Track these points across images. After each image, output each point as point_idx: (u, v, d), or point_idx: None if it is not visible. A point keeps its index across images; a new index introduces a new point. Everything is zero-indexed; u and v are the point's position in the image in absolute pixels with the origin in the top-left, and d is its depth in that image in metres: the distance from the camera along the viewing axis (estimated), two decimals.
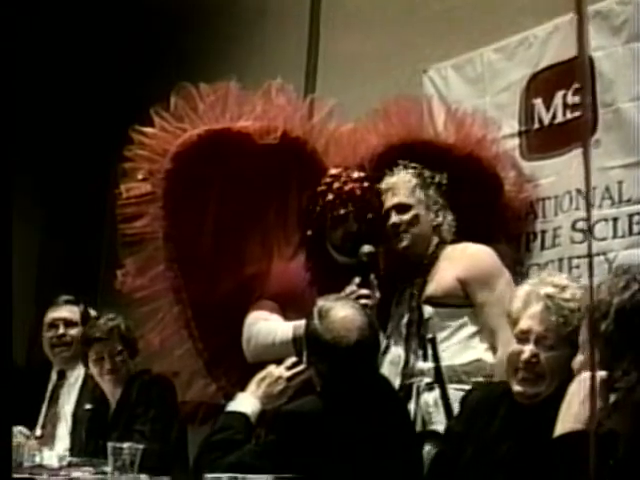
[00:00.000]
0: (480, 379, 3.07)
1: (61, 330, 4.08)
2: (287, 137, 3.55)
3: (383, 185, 3.39)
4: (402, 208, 3.32)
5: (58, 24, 6.10)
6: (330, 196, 3.39)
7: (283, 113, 3.57)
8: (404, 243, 3.31)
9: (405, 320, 3.28)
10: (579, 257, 3.45)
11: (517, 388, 2.46)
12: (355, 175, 3.43)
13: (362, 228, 3.37)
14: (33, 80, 5.99)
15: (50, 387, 4.06)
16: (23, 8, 5.53)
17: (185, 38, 5.72)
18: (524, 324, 2.48)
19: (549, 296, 2.45)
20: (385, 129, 3.63)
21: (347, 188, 3.39)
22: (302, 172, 3.60)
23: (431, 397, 3.13)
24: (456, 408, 3.00)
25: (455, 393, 3.06)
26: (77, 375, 3.96)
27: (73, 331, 4.03)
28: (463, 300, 3.18)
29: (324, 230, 3.42)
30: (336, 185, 3.40)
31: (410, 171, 3.36)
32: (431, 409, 3.11)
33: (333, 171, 3.46)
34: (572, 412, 2.05)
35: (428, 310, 3.21)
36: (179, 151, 3.51)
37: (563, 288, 2.47)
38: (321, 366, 2.71)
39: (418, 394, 3.16)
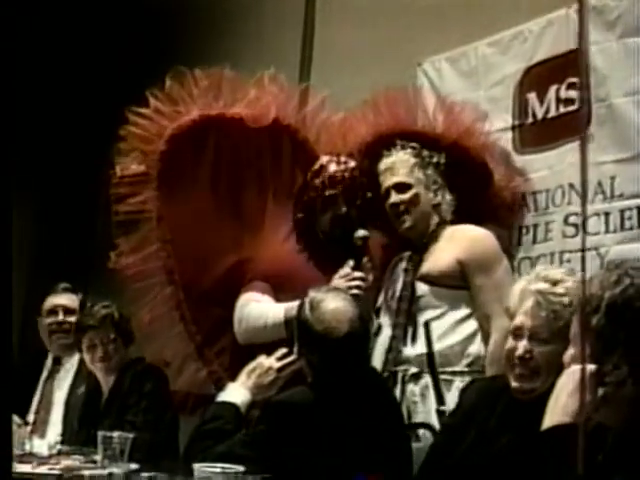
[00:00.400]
0: (466, 362, 3.11)
1: (60, 317, 4.09)
2: (279, 124, 3.62)
3: (382, 166, 3.40)
4: (402, 187, 3.33)
5: (55, 12, 6.07)
6: (319, 179, 3.44)
7: (276, 101, 3.62)
8: (407, 224, 3.33)
9: (397, 295, 3.29)
10: (571, 251, 3.45)
11: (514, 384, 2.47)
12: (344, 160, 3.48)
13: (351, 212, 3.39)
14: (27, 65, 5.96)
15: (45, 373, 4.07)
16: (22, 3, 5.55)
17: (180, 26, 5.71)
18: (518, 320, 2.49)
19: (540, 292, 2.46)
20: (374, 119, 3.66)
21: (336, 171, 3.43)
22: (294, 159, 3.66)
23: (417, 387, 3.13)
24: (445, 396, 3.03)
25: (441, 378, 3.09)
26: (72, 362, 3.96)
27: (72, 318, 4.03)
28: (459, 282, 3.19)
29: (314, 214, 3.45)
30: (326, 169, 3.45)
31: (409, 151, 3.37)
32: (417, 399, 3.12)
33: (324, 158, 3.50)
34: (560, 405, 2.05)
35: (422, 288, 3.22)
36: (174, 134, 3.56)
37: (555, 283, 2.48)
38: (312, 357, 2.72)
39: (403, 383, 3.16)
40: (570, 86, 3.53)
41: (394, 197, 3.34)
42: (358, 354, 2.77)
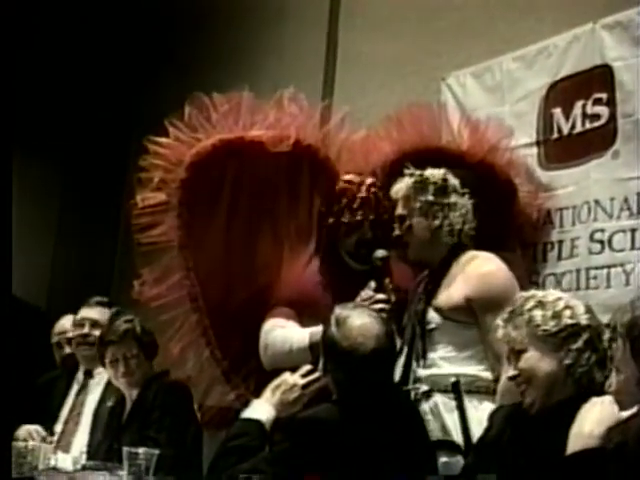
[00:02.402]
0: (477, 384, 3.06)
1: (86, 329, 4.08)
2: (299, 145, 3.60)
3: (392, 194, 3.32)
4: (400, 219, 3.26)
5: (70, 28, 6.13)
6: (344, 203, 3.40)
7: (295, 121, 3.62)
8: (410, 256, 3.27)
9: (412, 324, 3.24)
10: (596, 268, 3.44)
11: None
12: (368, 181, 3.43)
13: (377, 234, 3.37)
14: (49, 86, 6.05)
15: (76, 386, 4.08)
16: (33, 21, 5.63)
17: (204, 41, 5.74)
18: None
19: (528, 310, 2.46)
20: (398, 136, 3.64)
21: (361, 195, 3.39)
22: (315, 179, 3.64)
23: (427, 405, 3.09)
24: (449, 418, 3.02)
25: (448, 402, 3.05)
26: (104, 375, 3.96)
27: (97, 331, 4.04)
28: (470, 318, 3.08)
29: (338, 236, 3.42)
30: (350, 192, 3.40)
31: (410, 179, 3.24)
32: (428, 417, 3.07)
33: (346, 177, 3.46)
34: (586, 431, 2.07)
35: (435, 320, 3.15)
36: (194, 161, 3.56)
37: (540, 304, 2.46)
38: (338, 374, 2.70)
39: (415, 401, 3.11)
40: (596, 102, 3.52)
41: (395, 230, 3.27)
42: (384, 371, 2.76)
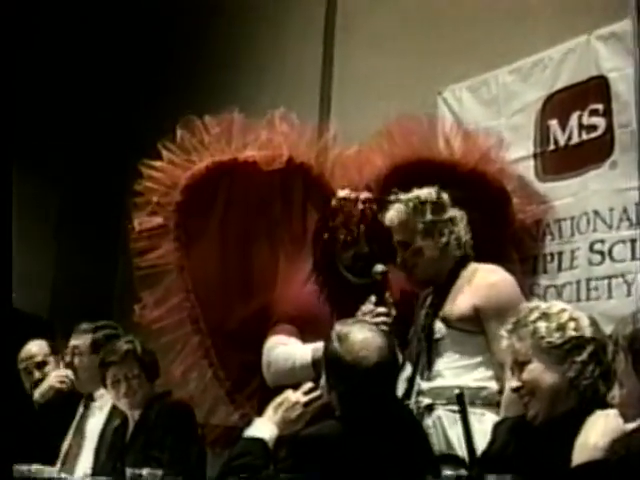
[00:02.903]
0: (482, 395, 3.07)
1: (68, 359, 4.13)
2: (293, 163, 3.65)
3: (386, 221, 3.30)
4: (402, 245, 3.26)
5: (70, 48, 6.15)
6: (340, 218, 3.42)
7: (287, 140, 3.66)
8: (418, 277, 3.28)
9: (418, 333, 3.25)
10: (597, 279, 3.43)
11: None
12: (363, 196, 3.45)
13: (374, 249, 3.38)
14: (49, 109, 6.08)
15: (81, 410, 4.07)
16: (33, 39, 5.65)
17: (200, 60, 5.75)
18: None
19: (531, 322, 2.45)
20: (389, 149, 3.66)
21: (357, 210, 3.41)
22: (309, 196, 3.68)
23: (430, 419, 3.11)
24: (452, 431, 3.01)
25: (451, 415, 3.04)
26: (105, 396, 3.95)
27: (76, 360, 4.07)
28: (476, 327, 3.12)
29: (335, 251, 3.44)
30: (346, 207, 3.42)
31: (403, 203, 3.24)
32: (431, 430, 3.07)
33: (341, 193, 3.48)
34: (591, 443, 2.07)
35: (441, 330, 3.17)
36: (189, 183, 3.62)
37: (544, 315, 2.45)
38: (341, 388, 2.69)
39: (418, 415, 3.12)
40: (593, 113, 3.53)
41: (399, 255, 3.26)
42: (387, 384, 2.76)
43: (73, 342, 4.12)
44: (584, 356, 2.34)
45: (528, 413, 2.43)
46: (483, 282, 3.16)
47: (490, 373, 3.09)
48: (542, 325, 2.39)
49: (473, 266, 3.22)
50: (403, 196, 3.24)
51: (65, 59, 6.13)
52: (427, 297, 3.32)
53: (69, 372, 4.16)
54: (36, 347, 4.35)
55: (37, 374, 4.30)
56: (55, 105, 6.16)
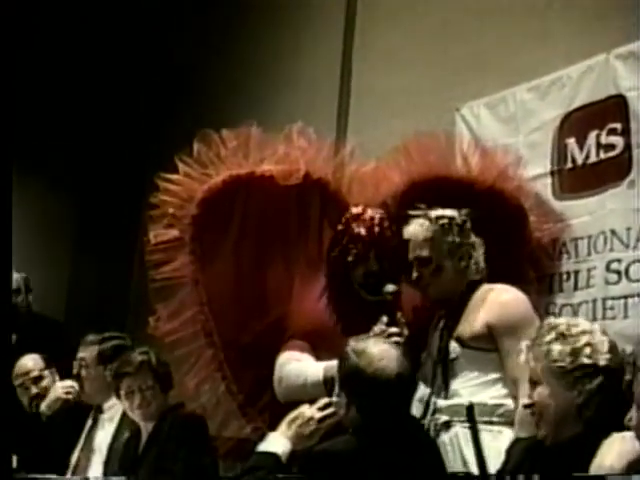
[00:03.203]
0: (497, 413, 3.06)
1: (75, 370, 4.09)
2: (310, 178, 3.64)
3: (405, 234, 3.29)
4: (422, 261, 3.24)
5: (86, 62, 6.19)
6: (350, 236, 3.41)
7: (305, 155, 3.65)
8: (432, 296, 3.28)
9: (434, 355, 3.25)
10: (613, 298, 3.42)
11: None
12: (374, 214, 3.43)
13: (384, 266, 3.37)
14: (69, 124, 6.12)
15: (90, 422, 4.06)
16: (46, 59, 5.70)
17: (219, 72, 5.76)
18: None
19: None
20: (406, 166, 3.65)
21: (365, 228, 3.40)
22: (325, 212, 3.67)
23: (447, 436, 3.10)
24: (468, 449, 3.01)
25: (468, 433, 3.05)
26: (117, 408, 3.94)
27: (83, 372, 4.06)
28: (490, 345, 3.12)
29: (346, 270, 3.43)
30: (355, 225, 3.41)
31: (428, 218, 3.23)
32: (448, 448, 3.07)
33: (353, 210, 3.48)
34: (606, 466, 2.05)
35: (456, 350, 3.17)
36: (205, 197, 3.62)
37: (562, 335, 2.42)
38: (363, 402, 2.67)
39: (435, 432, 3.12)
40: (611, 132, 3.52)
41: (415, 272, 3.25)
42: (406, 396, 2.75)
43: (80, 354, 4.11)
44: (593, 385, 2.29)
45: (539, 432, 2.41)
46: (495, 300, 3.16)
47: (506, 390, 3.09)
48: (556, 348, 2.33)
49: (485, 287, 3.23)
50: (432, 213, 3.23)
51: (84, 70, 6.16)
52: (440, 319, 3.31)
53: (74, 383, 4.15)
54: (31, 362, 4.32)
55: (34, 389, 4.27)
56: (73, 118, 6.20)
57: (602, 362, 2.30)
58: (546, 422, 2.36)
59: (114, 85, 6.21)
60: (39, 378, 4.30)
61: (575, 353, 2.31)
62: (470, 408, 3.07)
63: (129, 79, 6.22)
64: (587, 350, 2.31)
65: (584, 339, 2.33)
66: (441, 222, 3.22)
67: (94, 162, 6.30)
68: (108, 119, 6.21)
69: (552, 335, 2.37)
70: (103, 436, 3.94)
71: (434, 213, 3.23)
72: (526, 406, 2.45)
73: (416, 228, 3.25)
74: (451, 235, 3.21)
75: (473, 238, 3.25)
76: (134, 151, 6.12)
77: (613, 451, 2.20)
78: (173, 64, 6.11)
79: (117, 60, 6.18)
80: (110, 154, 6.22)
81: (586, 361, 2.30)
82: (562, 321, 2.44)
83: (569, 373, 2.31)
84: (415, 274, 3.26)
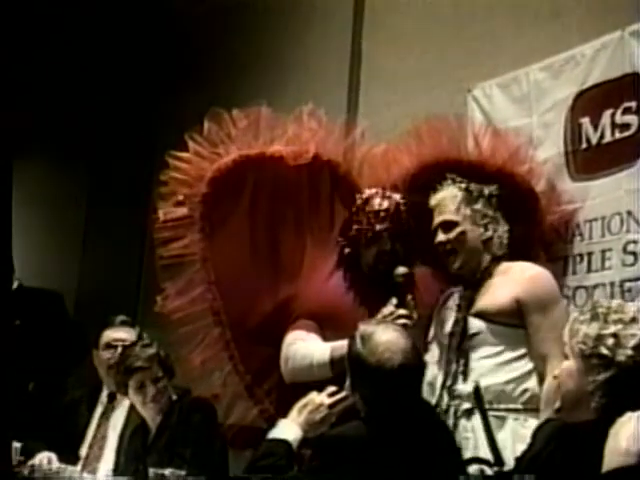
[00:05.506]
0: (522, 400, 3.06)
1: (120, 351, 3.94)
2: (320, 160, 3.64)
3: (432, 201, 3.32)
4: (448, 225, 3.25)
5: (95, 44, 6.19)
6: (364, 215, 3.41)
7: (315, 136, 3.65)
8: (456, 265, 3.25)
9: (448, 331, 3.23)
10: (630, 280, 3.37)
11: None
12: (389, 194, 3.44)
13: (396, 247, 3.36)
14: (76, 104, 6.12)
15: (100, 409, 4.02)
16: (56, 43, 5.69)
17: (229, 53, 5.74)
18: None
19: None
20: (417, 149, 3.63)
21: (381, 207, 3.40)
22: (336, 193, 3.67)
23: (469, 423, 3.08)
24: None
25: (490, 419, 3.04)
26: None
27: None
28: (516, 320, 3.11)
29: (359, 249, 3.42)
30: (370, 204, 3.42)
31: (457, 186, 3.29)
32: (469, 434, 3.06)
33: (367, 192, 3.48)
34: (621, 447, 2.01)
35: (477, 324, 3.16)
36: (215, 176, 3.62)
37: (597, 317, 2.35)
38: (365, 390, 2.66)
39: (456, 418, 3.11)
40: (626, 110, 3.46)
41: (440, 236, 3.26)
42: (412, 386, 2.72)
43: (117, 335, 4.03)
44: (601, 378, 2.23)
45: (554, 405, 2.38)
46: (524, 275, 3.17)
47: (530, 366, 3.08)
48: (584, 329, 2.27)
49: (505, 264, 3.24)
50: (462, 182, 3.28)
51: (93, 52, 6.17)
52: (448, 298, 3.30)
53: None
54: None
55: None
56: (84, 97, 6.20)
57: (620, 357, 2.22)
58: (563, 400, 2.32)
59: (125, 63, 6.20)
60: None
61: (597, 339, 2.24)
62: (477, 390, 3.07)
63: (140, 59, 6.21)
64: (610, 341, 2.23)
65: (613, 328, 2.24)
66: (470, 189, 3.26)
67: (105, 140, 6.30)
68: (119, 96, 6.21)
69: (587, 315, 2.30)
70: (116, 423, 3.92)
71: (461, 180, 3.28)
72: (555, 377, 2.40)
73: (444, 194, 3.29)
74: (478, 204, 3.25)
75: (498, 214, 3.28)
76: (144, 130, 6.09)
77: (627, 433, 2.14)
78: (184, 46, 6.10)
79: (130, 35, 6.17)
80: (121, 132, 6.21)
81: (604, 351, 2.23)
82: (605, 304, 2.33)
83: (587, 358, 2.25)
84: (439, 238, 3.25)
